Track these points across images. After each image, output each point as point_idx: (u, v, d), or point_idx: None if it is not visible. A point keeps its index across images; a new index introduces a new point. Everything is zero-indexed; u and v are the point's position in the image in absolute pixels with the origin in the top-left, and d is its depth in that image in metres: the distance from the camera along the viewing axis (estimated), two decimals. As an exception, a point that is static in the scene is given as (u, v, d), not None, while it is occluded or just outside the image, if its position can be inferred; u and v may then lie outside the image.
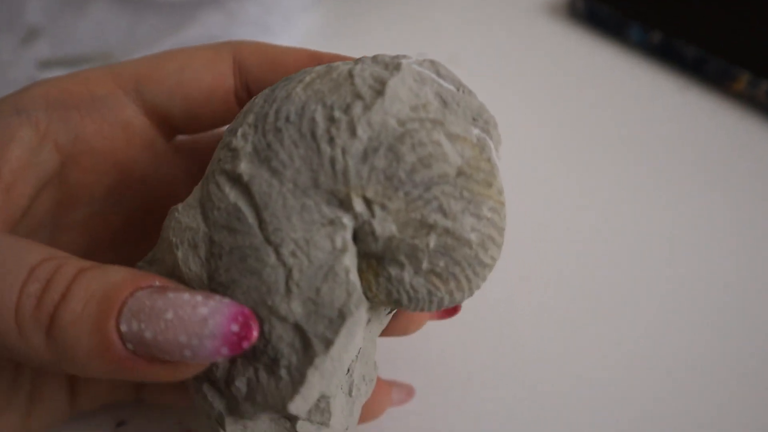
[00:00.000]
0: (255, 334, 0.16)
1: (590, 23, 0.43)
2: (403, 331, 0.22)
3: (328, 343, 0.16)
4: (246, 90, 0.22)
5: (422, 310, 0.17)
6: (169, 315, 0.15)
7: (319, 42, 0.43)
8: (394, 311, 0.20)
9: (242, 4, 0.39)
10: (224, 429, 0.18)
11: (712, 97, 0.38)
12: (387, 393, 0.23)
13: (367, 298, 0.17)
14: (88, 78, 0.21)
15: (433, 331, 0.25)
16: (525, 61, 0.42)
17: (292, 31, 0.42)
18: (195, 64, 0.21)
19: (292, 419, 0.18)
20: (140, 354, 0.15)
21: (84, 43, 0.40)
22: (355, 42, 0.43)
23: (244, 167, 0.17)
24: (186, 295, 0.16)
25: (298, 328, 0.16)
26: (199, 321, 0.15)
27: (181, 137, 0.24)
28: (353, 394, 0.19)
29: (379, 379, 0.22)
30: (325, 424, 0.18)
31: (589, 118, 0.37)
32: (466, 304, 0.19)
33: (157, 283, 0.16)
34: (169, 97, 0.21)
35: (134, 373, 0.16)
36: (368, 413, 0.22)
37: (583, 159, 0.35)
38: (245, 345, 0.15)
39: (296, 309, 0.16)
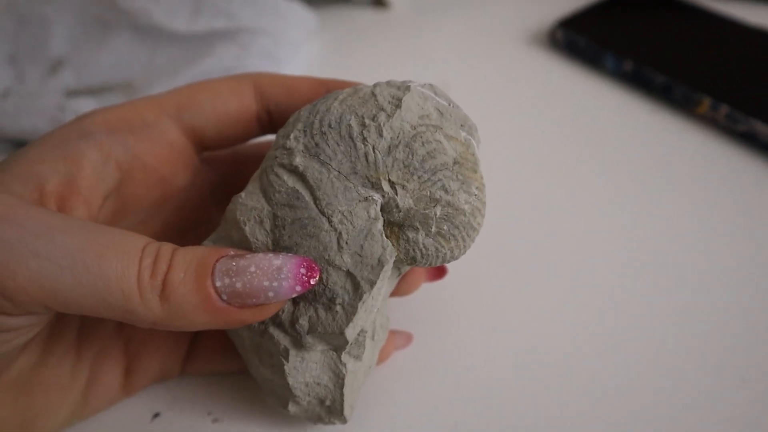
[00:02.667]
0: (317, 274, 0.20)
1: (569, 53, 0.45)
2: (406, 292, 0.27)
3: (372, 284, 0.21)
4: (267, 113, 0.25)
5: (430, 264, 0.22)
6: (252, 268, 0.20)
7: (322, 68, 0.45)
8: (400, 276, 0.24)
9: (253, 37, 0.41)
10: (287, 360, 0.23)
11: (678, 119, 0.39)
12: (391, 341, 0.27)
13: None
14: (138, 107, 0.24)
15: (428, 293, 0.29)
16: (509, 86, 0.44)
17: (298, 59, 0.44)
18: (224, 93, 0.25)
19: (338, 350, 0.23)
20: (233, 302, 0.20)
21: (106, 73, 0.42)
22: (354, 68, 0.45)
23: (299, 160, 0.22)
24: (260, 254, 0.20)
25: (350, 274, 0.21)
26: (276, 269, 0.20)
27: (206, 153, 0.27)
28: (375, 338, 0.25)
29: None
30: (359, 357, 0.24)
31: (568, 138, 0.39)
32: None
33: (232, 252, 0.20)
34: (205, 120, 0.25)
35: (230, 318, 0.20)
36: (380, 357, 0.26)
37: (563, 175, 0.36)
38: (313, 282, 0.20)
39: (347, 260, 0.21)
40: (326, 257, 0.21)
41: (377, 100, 0.22)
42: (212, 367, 0.27)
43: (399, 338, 0.28)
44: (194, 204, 0.27)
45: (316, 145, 0.22)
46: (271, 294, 0.20)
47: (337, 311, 0.21)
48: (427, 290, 0.30)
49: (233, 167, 0.28)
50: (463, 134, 0.22)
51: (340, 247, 0.21)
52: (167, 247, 0.20)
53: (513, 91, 0.43)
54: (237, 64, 0.40)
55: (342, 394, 0.24)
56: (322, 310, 0.22)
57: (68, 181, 0.22)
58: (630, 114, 0.40)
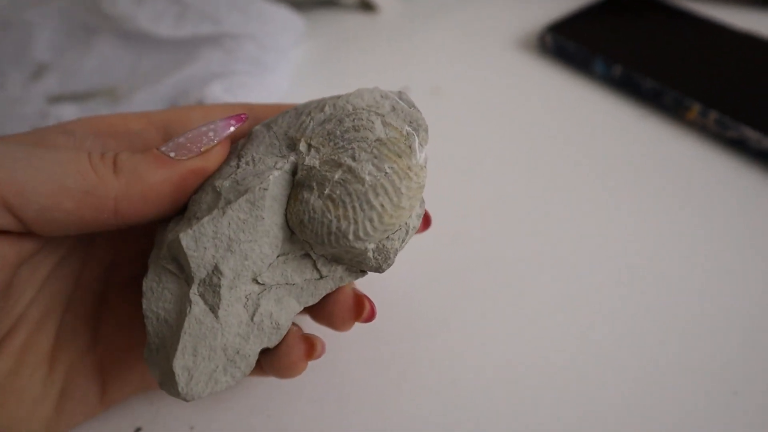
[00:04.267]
0: (246, 115, 0.23)
1: (559, 58, 0.45)
2: (334, 325, 0.24)
3: (228, 202, 0.21)
4: None
5: (315, 233, 0.21)
6: (189, 134, 0.22)
7: (309, 73, 0.45)
8: (318, 287, 0.23)
9: (239, 42, 0.41)
10: (147, 276, 0.22)
11: (668, 125, 0.39)
12: (299, 346, 0.23)
13: (286, 220, 0.22)
14: (127, 117, 0.25)
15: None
16: (500, 91, 0.43)
17: (285, 65, 0.44)
18: (216, 115, 0.25)
19: (189, 283, 0.21)
20: (180, 156, 0.21)
21: (90, 79, 0.41)
22: (342, 73, 0.45)
23: (256, 128, 0.24)
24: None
25: (217, 192, 0.22)
26: (212, 120, 0.23)
27: None
28: (255, 320, 0.22)
29: (294, 335, 0.23)
30: (214, 310, 0.21)
31: (557, 143, 0.39)
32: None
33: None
34: None
35: (183, 168, 0.21)
36: (286, 366, 0.23)
37: (552, 181, 0.36)
38: (243, 118, 0.23)
39: (225, 184, 0.22)
40: (214, 182, 0.22)
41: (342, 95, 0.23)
42: None
43: (306, 345, 0.23)
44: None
45: (275, 119, 0.24)
46: (211, 134, 0.22)
47: (192, 223, 0.21)
48: (415, 299, 0.30)
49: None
50: (407, 128, 0.22)
51: (229, 175, 0.22)
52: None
53: (502, 96, 0.43)
54: (223, 70, 0.39)
55: (179, 338, 0.21)
56: (185, 222, 0.22)
57: None
58: (619, 119, 0.40)
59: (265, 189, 0.21)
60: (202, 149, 0.22)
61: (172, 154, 0.21)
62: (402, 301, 0.30)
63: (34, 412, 0.23)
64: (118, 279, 0.26)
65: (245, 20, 0.41)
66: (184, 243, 0.21)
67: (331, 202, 0.21)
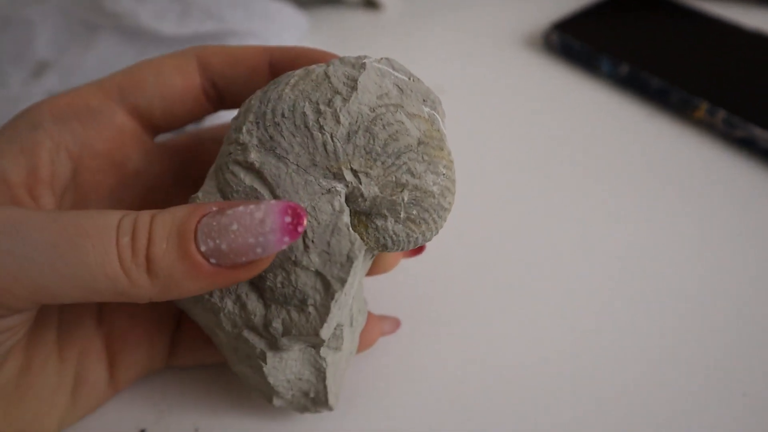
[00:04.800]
0: (304, 218, 0.19)
1: (564, 56, 0.45)
2: (384, 270, 0.26)
3: (342, 282, 0.20)
4: (212, 86, 0.25)
5: (402, 249, 0.21)
6: (234, 226, 0.19)
7: None
8: (374, 257, 0.24)
9: (243, 40, 0.40)
10: (265, 362, 0.22)
11: (675, 124, 0.39)
12: (378, 325, 0.27)
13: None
14: (83, 92, 0.23)
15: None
16: (505, 90, 0.43)
17: None
18: (166, 69, 0.24)
19: (316, 347, 0.23)
20: (223, 264, 0.19)
21: (91, 77, 0.39)
22: None
23: (254, 156, 0.20)
24: (241, 207, 0.19)
25: (319, 274, 0.21)
26: (259, 222, 0.19)
27: (161, 138, 0.27)
28: (353, 324, 0.24)
29: (371, 315, 0.26)
30: (338, 348, 0.23)
31: (563, 142, 0.39)
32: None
33: (215, 208, 0.19)
34: (149, 99, 0.24)
35: (223, 279, 0.19)
36: (365, 343, 0.26)
37: (558, 180, 0.36)
38: (300, 230, 0.19)
39: (315, 260, 0.20)
40: (293, 258, 0.20)
41: (331, 83, 0.21)
42: (197, 357, 0.27)
43: (387, 324, 0.28)
44: (155, 190, 0.26)
45: (271, 138, 0.20)
46: (259, 250, 0.19)
47: (309, 312, 0.21)
48: (420, 297, 0.30)
49: (192, 152, 0.27)
50: (426, 110, 0.21)
51: (306, 246, 0.20)
52: (144, 218, 0.19)
53: (507, 95, 0.43)
54: (226, 68, 0.39)
55: (325, 386, 0.23)
56: (295, 312, 0.21)
57: (30, 171, 0.22)
58: (626, 118, 0.40)
59: (363, 249, 0.21)
60: (247, 261, 0.19)
61: (212, 260, 0.19)
62: (408, 300, 0.30)
63: (52, 404, 0.24)
64: None
65: (249, 18, 0.41)
66: (325, 338, 0.22)
67: (412, 223, 0.21)
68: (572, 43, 0.44)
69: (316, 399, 0.24)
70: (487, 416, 0.26)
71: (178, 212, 0.19)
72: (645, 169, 0.37)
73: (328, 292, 0.21)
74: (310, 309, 0.21)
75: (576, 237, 0.33)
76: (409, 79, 0.21)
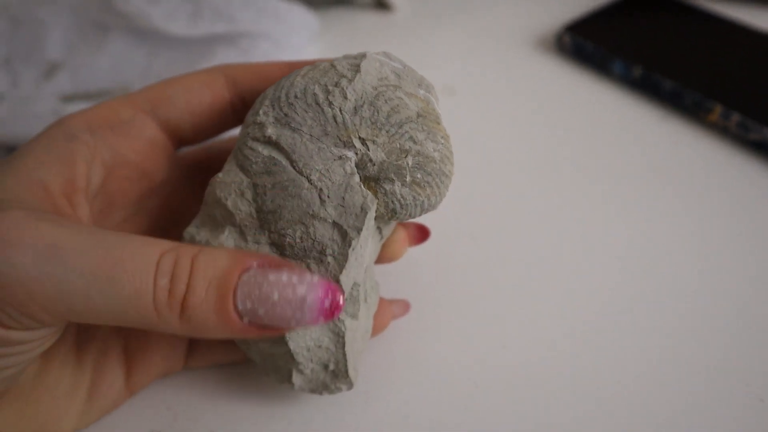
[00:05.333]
0: (342, 304, 0.20)
1: (576, 58, 0.45)
2: (391, 258, 0.27)
3: (358, 230, 0.22)
4: (241, 101, 0.26)
5: (410, 215, 0.23)
6: (276, 296, 0.19)
7: None
8: (383, 241, 0.25)
9: (254, 41, 0.40)
10: None
11: (689, 127, 0.39)
12: (389, 309, 0.28)
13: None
14: (114, 105, 0.24)
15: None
16: (516, 91, 0.43)
17: None
18: (196, 86, 0.25)
19: None
20: (254, 324, 0.20)
21: (103, 78, 0.41)
22: None
23: (271, 131, 0.22)
24: (284, 276, 0.20)
25: (336, 225, 0.22)
26: (300, 299, 0.19)
27: (182, 150, 0.28)
28: (368, 301, 0.25)
29: (382, 299, 0.27)
30: (355, 316, 0.24)
31: (576, 144, 0.39)
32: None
33: (255, 262, 0.20)
34: (179, 114, 0.25)
35: (249, 335, 0.20)
36: (378, 326, 0.27)
37: (570, 182, 0.36)
38: (336, 315, 0.20)
39: (331, 212, 0.22)
40: (310, 212, 0.22)
41: (337, 70, 0.23)
42: (214, 357, 0.27)
43: (397, 307, 0.29)
44: (176, 199, 0.27)
45: (286, 115, 0.23)
46: (293, 323, 0.20)
47: (329, 262, 0.22)
48: (429, 295, 0.30)
49: (208, 162, 0.29)
50: (422, 92, 0.24)
51: (322, 201, 0.22)
52: (185, 259, 0.19)
53: (518, 97, 0.43)
54: (238, 69, 0.39)
55: (344, 354, 0.24)
56: (314, 264, 0.22)
57: (68, 180, 0.23)
58: (639, 121, 0.40)
59: (375, 203, 0.22)
60: (276, 326, 0.20)
61: (245, 319, 0.19)
62: (417, 297, 0.30)
63: (68, 406, 0.24)
64: None
65: (260, 18, 0.41)
66: (346, 288, 0.22)
67: (418, 186, 0.22)
68: (585, 44, 0.44)
69: (336, 371, 0.24)
70: (498, 397, 0.26)
71: (219, 261, 0.20)
72: (658, 172, 0.36)
73: (345, 240, 0.22)
74: (329, 258, 0.22)
75: (588, 238, 0.33)
76: (404, 67, 0.24)
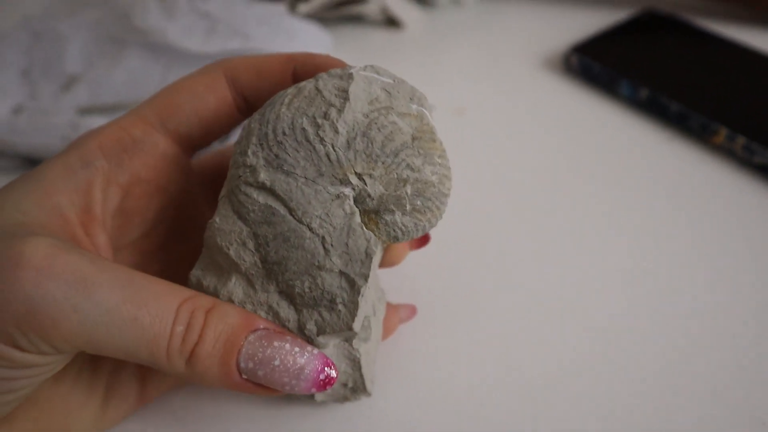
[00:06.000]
0: (334, 381, 0.22)
1: (584, 78, 0.45)
2: (394, 263, 0.27)
3: (365, 277, 0.22)
4: (242, 98, 0.26)
5: (411, 238, 0.23)
6: (276, 362, 0.21)
7: None
8: (385, 246, 0.25)
9: (267, 59, 0.41)
10: None
11: (694, 148, 0.39)
12: (396, 313, 0.29)
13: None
14: (125, 125, 0.25)
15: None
16: (525, 111, 0.44)
17: None
18: (199, 89, 0.26)
19: (349, 340, 0.24)
20: (251, 381, 0.21)
21: (120, 91, 0.42)
22: None
23: (264, 176, 0.22)
24: (287, 345, 0.21)
25: (343, 273, 0.22)
26: (298, 369, 0.21)
27: (194, 158, 0.28)
28: (376, 314, 0.26)
29: (388, 304, 0.28)
30: (367, 338, 0.25)
31: (583, 164, 0.39)
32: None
33: (262, 325, 0.22)
34: (187, 123, 0.26)
35: (243, 391, 0.21)
36: (387, 331, 0.28)
37: (577, 202, 0.37)
38: (328, 388, 0.21)
39: (336, 261, 0.22)
40: (316, 263, 0.22)
41: (324, 96, 0.22)
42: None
43: (403, 311, 0.29)
44: (189, 208, 0.28)
45: (276, 156, 0.22)
46: (287, 389, 0.21)
47: (340, 310, 0.22)
48: (439, 309, 0.31)
49: (216, 168, 0.29)
50: (414, 107, 0.23)
51: (326, 250, 0.22)
52: (200, 312, 0.21)
53: (527, 117, 0.43)
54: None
55: (361, 375, 0.25)
56: (326, 312, 0.22)
57: (85, 210, 0.23)
58: (645, 142, 0.41)
59: (378, 244, 0.22)
60: (270, 388, 0.22)
61: (244, 376, 0.21)
62: (421, 289, 0.32)
63: (81, 415, 0.25)
64: (160, 262, 0.27)
65: (274, 36, 0.42)
66: (357, 331, 0.23)
67: (418, 213, 0.22)
68: (592, 65, 0.44)
69: (354, 387, 0.26)
70: (501, 404, 0.27)
71: (230, 318, 0.21)
72: (663, 192, 0.37)
73: (354, 288, 0.22)
74: (340, 307, 0.22)
75: (594, 254, 0.33)
76: (394, 81, 0.23)
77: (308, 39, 0.44)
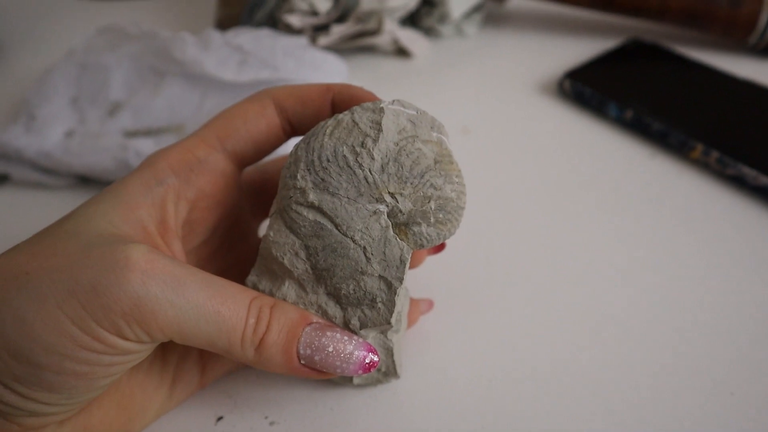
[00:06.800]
0: (377, 362, 0.25)
1: (576, 102, 0.48)
2: (415, 266, 0.31)
3: (401, 280, 0.25)
4: (288, 123, 0.29)
5: (434, 245, 0.26)
6: (330, 348, 0.25)
7: None
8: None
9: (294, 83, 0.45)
10: None
11: (674, 163, 0.42)
12: (417, 307, 0.32)
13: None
14: (190, 147, 0.27)
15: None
16: (523, 131, 0.46)
17: None
18: (251, 115, 0.28)
19: (385, 332, 0.27)
20: (308, 366, 0.25)
21: (160, 116, 0.45)
22: None
23: (313, 197, 0.25)
24: (338, 335, 0.25)
25: (382, 277, 0.25)
26: (348, 354, 0.25)
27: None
28: (403, 309, 0.29)
29: (411, 300, 0.31)
30: (398, 330, 0.29)
31: (575, 178, 0.42)
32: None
33: (315, 320, 0.25)
34: (242, 145, 0.28)
35: (302, 375, 0.25)
36: (409, 322, 0.31)
37: (570, 213, 0.39)
38: (372, 370, 0.25)
39: (376, 267, 0.25)
40: (359, 270, 0.25)
41: (360, 128, 0.25)
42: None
43: (423, 304, 0.33)
44: (240, 218, 0.30)
45: (322, 180, 0.25)
46: (338, 371, 0.25)
47: (380, 308, 0.26)
48: (449, 317, 0.34)
49: (261, 182, 0.32)
50: (435, 134, 0.25)
51: (367, 258, 0.25)
52: (266, 308, 0.24)
53: (525, 136, 0.46)
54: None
55: (393, 361, 0.29)
56: (368, 310, 0.26)
57: (161, 222, 0.26)
58: (631, 158, 0.43)
59: (410, 252, 0.26)
60: (324, 371, 0.25)
61: (303, 362, 0.24)
62: (438, 288, 0.35)
63: (154, 397, 0.28)
64: (215, 266, 0.30)
65: (299, 67, 0.45)
66: (393, 324, 0.26)
67: (440, 224, 0.25)
68: (583, 89, 0.47)
69: (387, 372, 0.29)
70: (512, 394, 0.29)
71: (290, 313, 0.25)
72: (647, 203, 0.39)
73: (391, 289, 0.26)
74: (379, 305, 0.26)
75: (589, 255, 0.36)
76: (417, 113, 0.26)
77: (328, 68, 0.47)
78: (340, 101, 0.28)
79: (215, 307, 0.23)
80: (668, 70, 0.50)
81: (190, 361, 0.29)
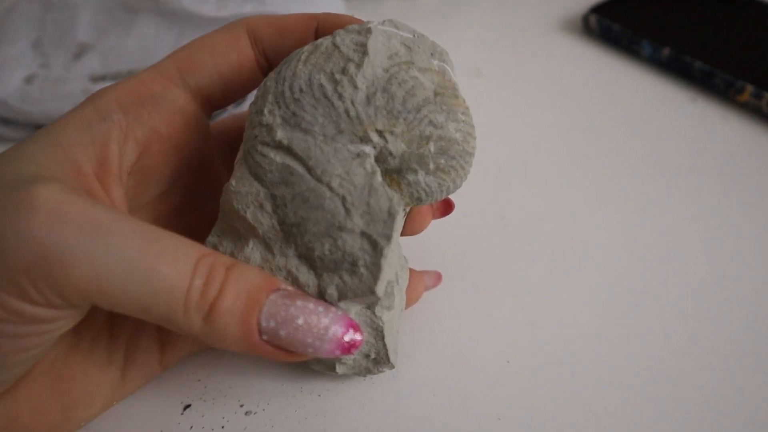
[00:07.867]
0: (359, 345, 0.21)
1: (603, 40, 0.45)
2: (416, 231, 0.27)
3: (388, 237, 0.21)
4: (264, 57, 0.26)
5: (435, 199, 0.22)
6: (300, 321, 0.20)
7: None
8: (406, 214, 0.25)
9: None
10: None
11: (719, 107, 0.40)
12: (421, 280, 0.28)
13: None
14: (145, 79, 0.24)
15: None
16: (543, 74, 0.44)
17: None
18: (221, 47, 0.25)
19: (372, 306, 0.23)
20: (271, 343, 0.20)
21: (132, 59, 0.42)
22: None
23: (281, 134, 0.21)
24: (311, 305, 0.20)
25: (364, 234, 0.21)
26: (323, 329, 0.20)
27: (213, 120, 0.28)
28: (399, 282, 0.25)
29: (413, 271, 0.28)
30: (391, 307, 0.24)
31: (603, 125, 0.39)
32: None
33: (282, 286, 0.21)
34: (208, 80, 0.25)
35: (263, 354, 0.20)
36: (411, 299, 0.28)
37: (598, 165, 0.37)
38: (353, 351, 0.20)
39: (358, 221, 0.21)
40: (336, 224, 0.21)
41: (341, 52, 0.22)
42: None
43: (428, 278, 0.29)
44: (206, 171, 0.27)
45: (293, 114, 0.21)
46: (310, 350, 0.20)
47: (362, 273, 0.21)
48: (456, 279, 0.31)
49: (238, 132, 0.29)
50: (436, 62, 0.22)
51: (347, 210, 0.21)
52: (220, 267, 0.20)
53: (545, 79, 0.43)
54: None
55: (384, 345, 0.24)
56: (347, 276, 0.22)
57: (101, 163, 0.23)
58: (668, 102, 0.40)
59: (401, 204, 0.22)
60: (291, 350, 0.20)
61: (265, 337, 0.20)
62: (446, 256, 0.32)
63: (101, 381, 0.25)
64: (176, 226, 0.27)
65: (288, 1, 0.42)
66: (380, 295, 0.22)
67: (442, 172, 0.22)
68: (611, 26, 0.44)
69: (377, 359, 0.25)
70: (528, 375, 0.27)
71: (251, 276, 0.20)
72: (688, 152, 0.37)
73: (377, 249, 0.21)
74: (362, 270, 0.21)
75: (614, 219, 0.33)
76: (414, 36, 0.23)
77: (322, 4, 0.43)
78: (325, 31, 0.25)
79: (149, 262, 0.19)
80: (708, 3, 0.46)
81: (145, 336, 0.26)
